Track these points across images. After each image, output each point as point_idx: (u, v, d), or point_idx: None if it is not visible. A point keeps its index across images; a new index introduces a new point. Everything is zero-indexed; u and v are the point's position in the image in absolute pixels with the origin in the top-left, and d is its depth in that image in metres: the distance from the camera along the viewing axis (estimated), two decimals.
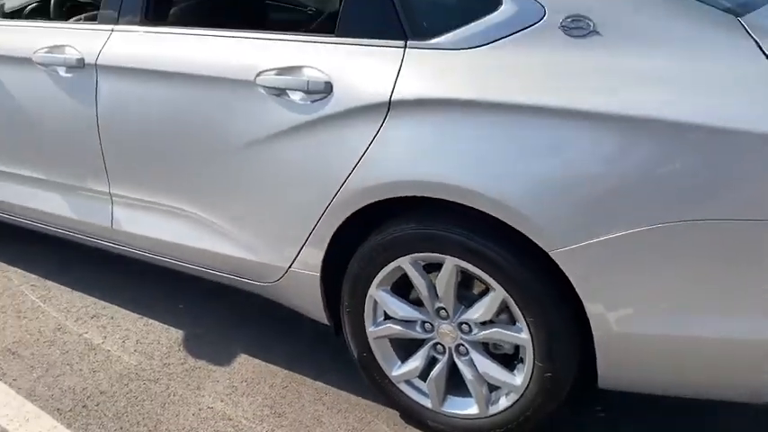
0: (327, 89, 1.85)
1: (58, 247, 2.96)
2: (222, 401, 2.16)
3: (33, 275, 2.88)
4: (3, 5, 2.93)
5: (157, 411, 2.12)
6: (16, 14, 2.96)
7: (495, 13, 1.69)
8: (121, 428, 2.06)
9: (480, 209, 1.68)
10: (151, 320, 2.58)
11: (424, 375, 2.00)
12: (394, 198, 1.80)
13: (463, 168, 1.69)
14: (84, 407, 2.14)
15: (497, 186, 1.65)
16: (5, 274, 2.90)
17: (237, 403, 2.16)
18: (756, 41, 1.49)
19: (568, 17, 1.62)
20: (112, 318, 2.59)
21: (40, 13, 3.00)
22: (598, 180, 1.57)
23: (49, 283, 2.83)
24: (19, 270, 2.92)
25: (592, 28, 1.60)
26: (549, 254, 1.63)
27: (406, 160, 1.77)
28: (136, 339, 2.47)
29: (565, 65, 1.61)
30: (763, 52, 1.47)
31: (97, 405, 2.15)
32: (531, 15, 1.66)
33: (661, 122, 1.49)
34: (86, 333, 2.49)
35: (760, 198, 1.46)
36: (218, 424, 2.08)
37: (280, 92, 1.92)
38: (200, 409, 2.13)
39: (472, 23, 1.72)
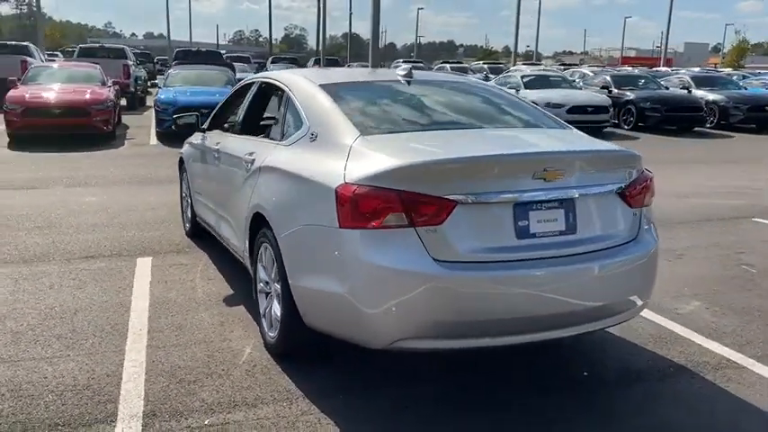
0: (253, 161, 3.95)
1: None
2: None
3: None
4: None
5: None
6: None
7: (299, 131, 3.62)
8: None
9: (269, 219, 3.54)
10: None
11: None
12: (259, 213, 3.76)
13: (265, 201, 3.62)
14: None
15: (269, 208, 3.52)
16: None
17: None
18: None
19: (310, 133, 3.47)
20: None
21: None
22: (288, 205, 3.34)
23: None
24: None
25: (316, 137, 3.42)
26: (277, 239, 3.39)
27: (258, 196, 3.74)
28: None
29: (306, 149, 3.45)
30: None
31: None
32: (304, 131, 3.55)
33: (306, 181, 3.21)
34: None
35: (323, 216, 3.02)
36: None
37: (249, 162, 4.07)
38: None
39: (292, 135, 3.67)
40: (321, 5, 37.53)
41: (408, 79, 4.03)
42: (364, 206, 2.84)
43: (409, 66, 4.23)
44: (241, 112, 4.73)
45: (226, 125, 5.28)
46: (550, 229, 3.00)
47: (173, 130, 5.89)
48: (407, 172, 2.85)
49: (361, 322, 2.93)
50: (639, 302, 3.36)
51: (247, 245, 4.01)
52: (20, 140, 12.11)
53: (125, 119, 15.94)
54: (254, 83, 4.84)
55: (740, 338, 4.06)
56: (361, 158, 3.02)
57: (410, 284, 2.80)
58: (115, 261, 5.42)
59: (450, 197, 2.83)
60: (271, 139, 4.01)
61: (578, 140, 3.51)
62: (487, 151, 3.06)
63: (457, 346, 2.97)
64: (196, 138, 5.72)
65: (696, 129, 17.67)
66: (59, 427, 2.96)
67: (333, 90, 3.76)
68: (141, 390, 3.29)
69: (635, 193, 3.26)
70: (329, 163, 3.14)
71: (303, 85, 3.94)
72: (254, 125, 4.56)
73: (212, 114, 5.54)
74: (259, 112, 4.65)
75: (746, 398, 3.32)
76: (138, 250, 5.73)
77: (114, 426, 2.98)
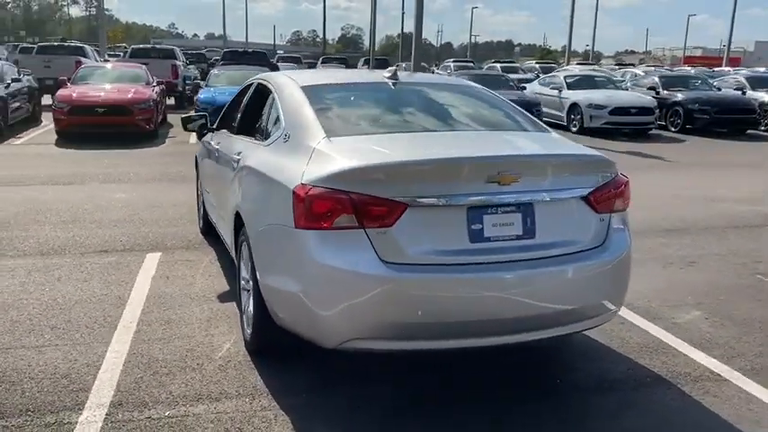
0: (239, 160, 4.04)
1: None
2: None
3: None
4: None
5: None
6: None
7: (277, 131, 3.69)
8: None
9: (243, 218, 3.63)
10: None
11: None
12: (238, 212, 3.85)
13: (240, 200, 3.72)
14: None
15: (244, 207, 3.60)
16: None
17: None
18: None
19: (284, 134, 3.53)
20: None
21: None
22: (257, 204, 3.41)
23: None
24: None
25: (289, 139, 3.48)
26: (249, 238, 3.47)
27: (239, 195, 3.84)
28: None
29: (280, 150, 3.51)
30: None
31: None
32: (281, 132, 3.62)
33: (272, 181, 3.28)
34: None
35: (284, 216, 3.08)
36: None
37: (236, 162, 4.17)
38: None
39: (272, 136, 3.74)
40: (373, 6, 37.68)
41: (394, 81, 4.05)
42: (317, 207, 2.88)
43: (394, 68, 4.25)
44: (239, 112, 4.83)
45: (231, 125, 5.40)
46: (506, 234, 2.98)
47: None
48: (358, 174, 2.88)
49: (313, 321, 2.97)
50: (611, 308, 3.30)
51: (233, 243, 4.11)
52: (67, 138, 12.61)
53: (171, 118, 16.37)
54: (252, 84, 4.94)
55: (731, 350, 3.92)
56: (321, 160, 3.06)
57: (358, 285, 2.83)
58: (126, 256, 5.61)
59: (401, 200, 2.84)
60: (256, 139, 4.09)
61: (546, 144, 3.45)
62: (441, 154, 3.05)
63: (412, 348, 2.98)
64: (208, 137, 5.87)
65: (749, 132, 17.00)
66: (29, 413, 3.10)
67: (311, 92, 3.81)
68: (115, 380, 3.42)
69: (602, 199, 3.19)
70: (293, 164, 3.19)
71: (286, 86, 4.00)
72: (247, 125, 4.65)
73: (220, 115, 5.67)
74: (252, 113, 4.74)
75: (719, 412, 3.21)
76: (150, 246, 5.92)
77: (80, 414, 3.10)
